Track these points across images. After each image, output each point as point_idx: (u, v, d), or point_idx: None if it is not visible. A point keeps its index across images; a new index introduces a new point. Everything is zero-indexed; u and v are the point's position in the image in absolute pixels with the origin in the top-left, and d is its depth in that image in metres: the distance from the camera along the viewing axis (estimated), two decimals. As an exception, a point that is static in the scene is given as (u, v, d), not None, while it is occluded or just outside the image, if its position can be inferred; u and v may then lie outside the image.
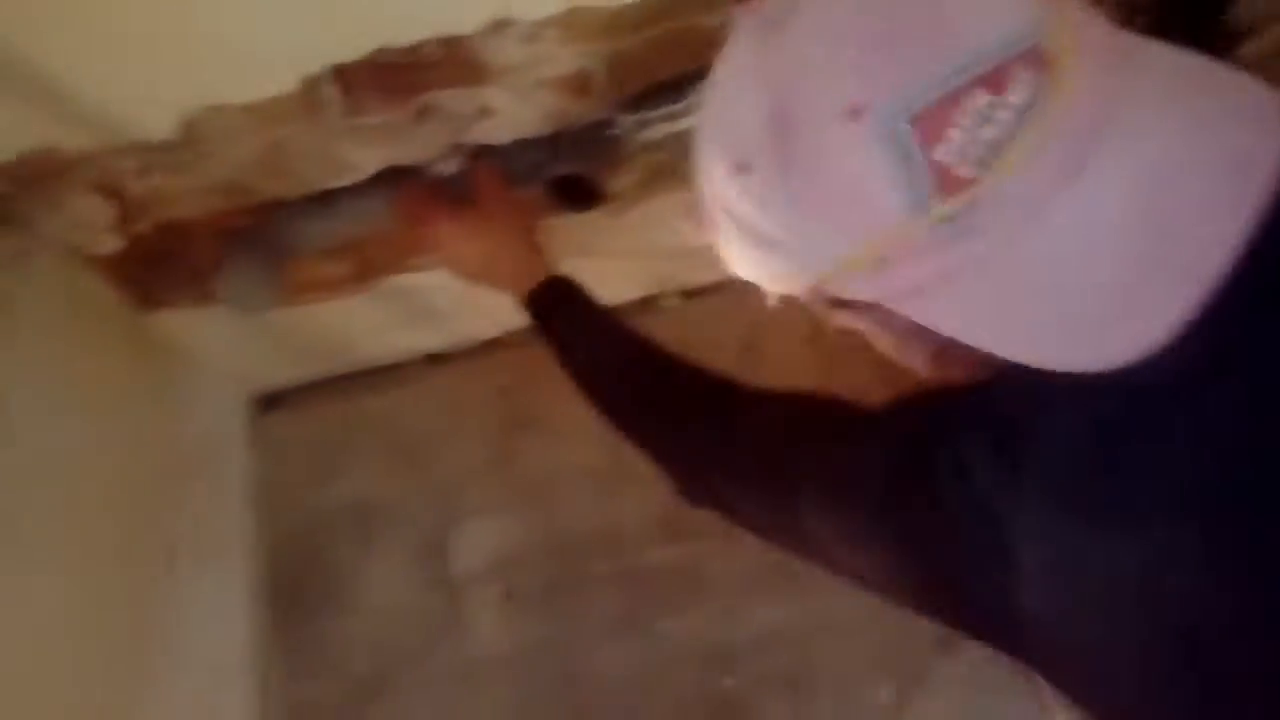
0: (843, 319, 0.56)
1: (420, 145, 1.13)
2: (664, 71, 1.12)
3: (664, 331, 1.47)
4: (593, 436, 1.49)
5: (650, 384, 0.82)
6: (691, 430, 0.76)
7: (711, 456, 0.73)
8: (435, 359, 1.55)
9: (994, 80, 0.44)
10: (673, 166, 1.24)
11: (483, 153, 1.13)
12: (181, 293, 1.31)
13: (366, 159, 1.13)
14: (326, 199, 1.19)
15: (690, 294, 1.51)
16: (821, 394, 0.69)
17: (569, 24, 1.01)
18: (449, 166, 1.08)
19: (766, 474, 0.67)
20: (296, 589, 1.44)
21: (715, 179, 0.53)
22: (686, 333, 1.47)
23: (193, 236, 1.27)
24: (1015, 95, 0.44)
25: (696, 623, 1.32)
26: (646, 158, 1.20)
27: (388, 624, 1.41)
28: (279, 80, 0.99)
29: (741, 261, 0.56)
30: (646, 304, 1.51)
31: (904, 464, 0.56)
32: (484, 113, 1.10)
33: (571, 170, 1.17)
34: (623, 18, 1.02)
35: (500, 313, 1.51)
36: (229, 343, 1.43)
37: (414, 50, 1.00)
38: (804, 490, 0.62)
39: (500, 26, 0.99)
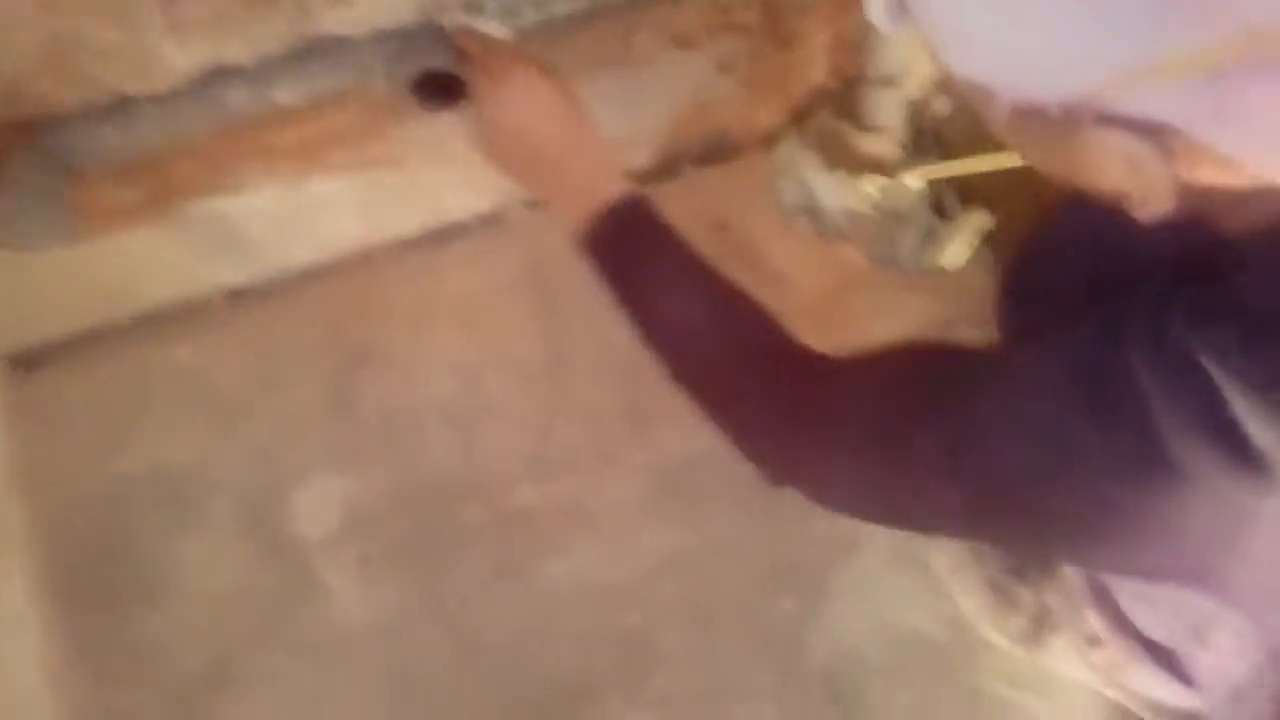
0: (1104, 140, 0.45)
1: (251, 41, 0.97)
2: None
3: (508, 245, 1.41)
4: (443, 367, 1.39)
5: (745, 353, 0.71)
6: (787, 401, 0.68)
7: (820, 428, 0.66)
8: (239, 296, 1.37)
9: None
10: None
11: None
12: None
13: (184, 60, 0.96)
14: (122, 106, 1.00)
15: (533, 205, 1.42)
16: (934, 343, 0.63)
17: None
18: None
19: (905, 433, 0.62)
20: (96, 581, 1.26)
21: None
22: (533, 247, 1.40)
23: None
24: None
25: (585, 561, 1.28)
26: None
27: (218, 608, 1.26)
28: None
29: (993, 52, 0.46)
30: (489, 220, 1.41)
31: (1099, 376, 0.50)
32: (336, -1, 0.96)
33: (434, 66, 1.05)
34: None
35: (326, 236, 1.36)
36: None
37: (262, -82, 0.85)
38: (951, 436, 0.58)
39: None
